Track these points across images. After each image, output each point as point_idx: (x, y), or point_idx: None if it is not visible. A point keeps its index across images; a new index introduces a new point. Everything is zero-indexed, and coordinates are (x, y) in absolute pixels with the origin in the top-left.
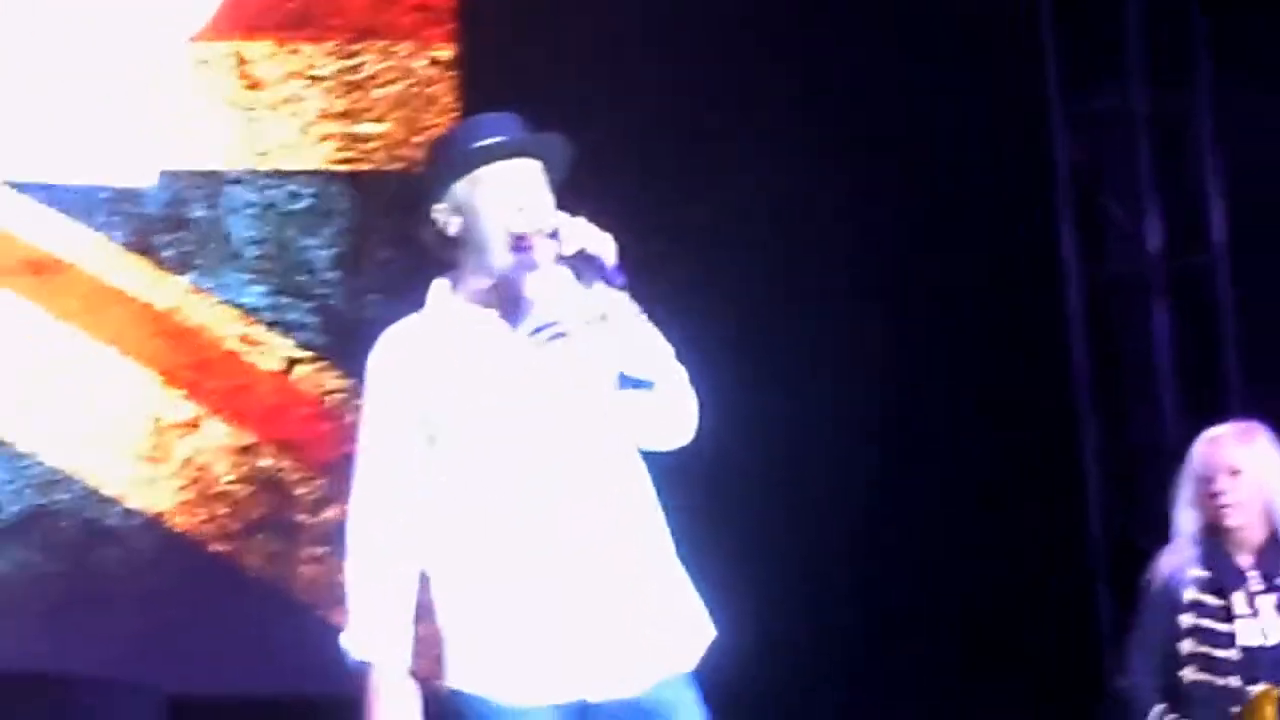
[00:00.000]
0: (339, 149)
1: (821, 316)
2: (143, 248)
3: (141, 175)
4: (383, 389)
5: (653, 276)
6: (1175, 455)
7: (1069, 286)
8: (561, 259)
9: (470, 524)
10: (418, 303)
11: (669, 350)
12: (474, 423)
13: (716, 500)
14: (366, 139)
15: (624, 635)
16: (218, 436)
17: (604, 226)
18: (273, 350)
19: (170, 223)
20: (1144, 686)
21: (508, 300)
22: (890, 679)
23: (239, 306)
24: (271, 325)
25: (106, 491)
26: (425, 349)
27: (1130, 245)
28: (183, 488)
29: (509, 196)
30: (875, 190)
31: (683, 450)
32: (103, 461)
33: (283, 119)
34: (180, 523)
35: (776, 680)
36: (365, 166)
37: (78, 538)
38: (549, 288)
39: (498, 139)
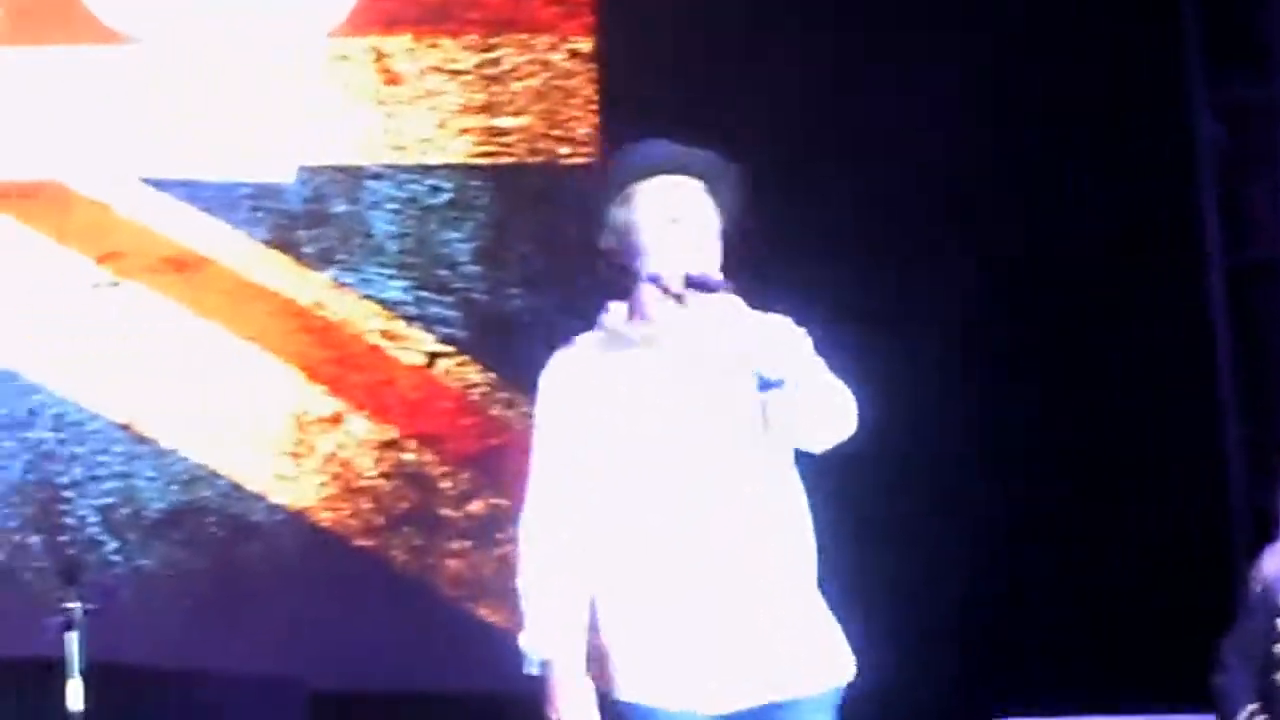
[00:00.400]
0: (478, 143)
1: (961, 302)
2: (284, 244)
3: (281, 171)
4: (549, 409)
5: (786, 260)
6: None
7: (1211, 272)
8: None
9: (627, 542)
10: (559, 297)
11: (803, 346)
12: (631, 445)
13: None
14: (506, 132)
15: (769, 649)
16: (360, 431)
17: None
18: (415, 345)
19: (311, 218)
20: (1237, 685)
21: (664, 315)
22: (1033, 671)
23: (380, 301)
24: (413, 320)
25: (250, 488)
26: (590, 371)
27: (1272, 231)
28: (326, 483)
29: (659, 207)
30: (1014, 177)
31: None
32: (246, 458)
33: (422, 113)
34: (324, 518)
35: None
36: (505, 160)
37: (222, 534)
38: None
39: (649, 157)
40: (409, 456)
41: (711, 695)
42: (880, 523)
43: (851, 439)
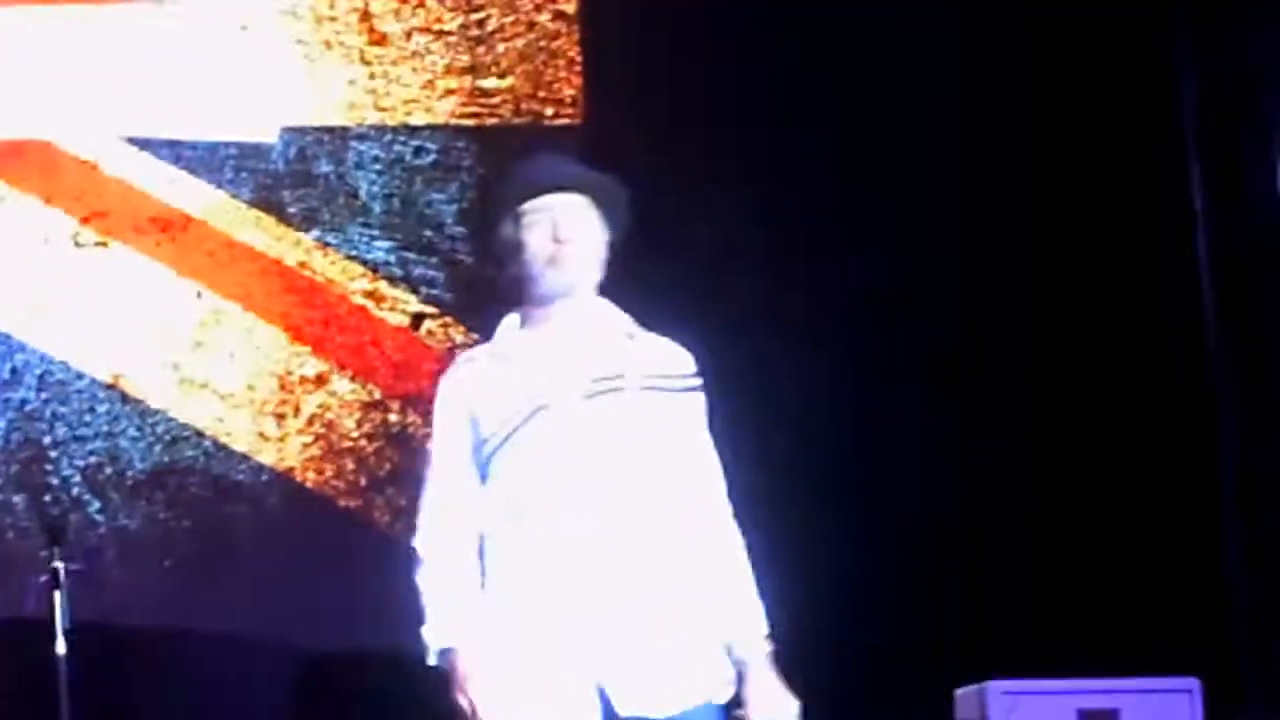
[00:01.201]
0: (464, 104)
1: (962, 259)
2: (268, 204)
3: (265, 131)
4: (443, 419)
5: (774, 239)
6: None
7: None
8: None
9: (509, 558)
10: None
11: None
12: (523, 457)
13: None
14: (492, 93)
15: (659, 659)
16: (345, 392)
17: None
18: (399, 306)
19: (296, 179)
20: None
21: (556, 327)
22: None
23: (365, 262)
24: (398, 281)
25: (234, 448)
26: (481, 383)
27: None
28: (310, 443)
29: (547, 227)
30: (999, 136)
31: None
32: (230, 418)
33: (407, 74)
34: (308, 478)
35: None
36: (491, 121)
37: (206, 494)
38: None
39: (538, 176)
40: (393, 417)
41: (624, 700)
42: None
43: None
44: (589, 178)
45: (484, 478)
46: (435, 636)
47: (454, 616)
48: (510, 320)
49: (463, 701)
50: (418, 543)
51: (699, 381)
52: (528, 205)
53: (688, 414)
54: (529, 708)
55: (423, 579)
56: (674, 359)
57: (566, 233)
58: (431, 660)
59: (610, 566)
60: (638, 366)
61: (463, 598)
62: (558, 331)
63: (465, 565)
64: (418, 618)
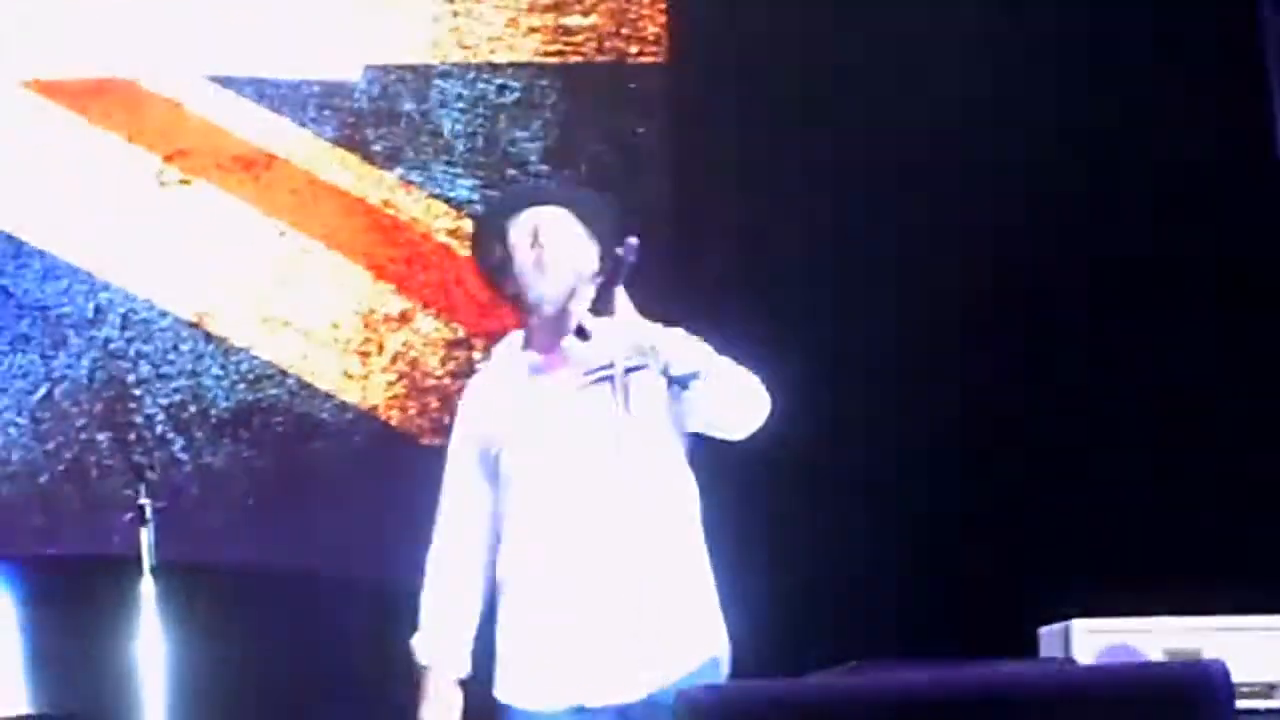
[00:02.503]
0: (547, 41)
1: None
2: (352, 142)
3: (349, 69)
4: (458, 434)
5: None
6: None
7: None
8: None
9: (517, 551)
10: (626, 196)
11: (705, 347)
12: (522, 460)
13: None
14: (575, 31)
15: (623, 648)
16: (428, 330)
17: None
18: None
19: (379, 116)
20: None
21: (551, 342)
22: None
23: (449, 200)
24: None
25: (318, 386)
26: (490, 398)
27: None
28: (394, 382)
29: (526, 235)
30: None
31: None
32: (314, 356)
33: (490, 11)
34: (392, 417)
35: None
36: (574, 59)
37: (290, 432)
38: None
39: (518, 194)
40: (477, 355)
41: (592, 689)
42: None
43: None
44: (569, 193)
45: (498, 482)
46: (419, 650)
47: (438, 637)
48: (512, 337)
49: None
50: (429, 559)
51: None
52: (510, 221)
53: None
54: (550, 686)
55: (425, 593)
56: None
57: (545, 237)
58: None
59: (597, 554)
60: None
61: (453, 619)
62: (553, 336)
63: (461, 589)
64: None
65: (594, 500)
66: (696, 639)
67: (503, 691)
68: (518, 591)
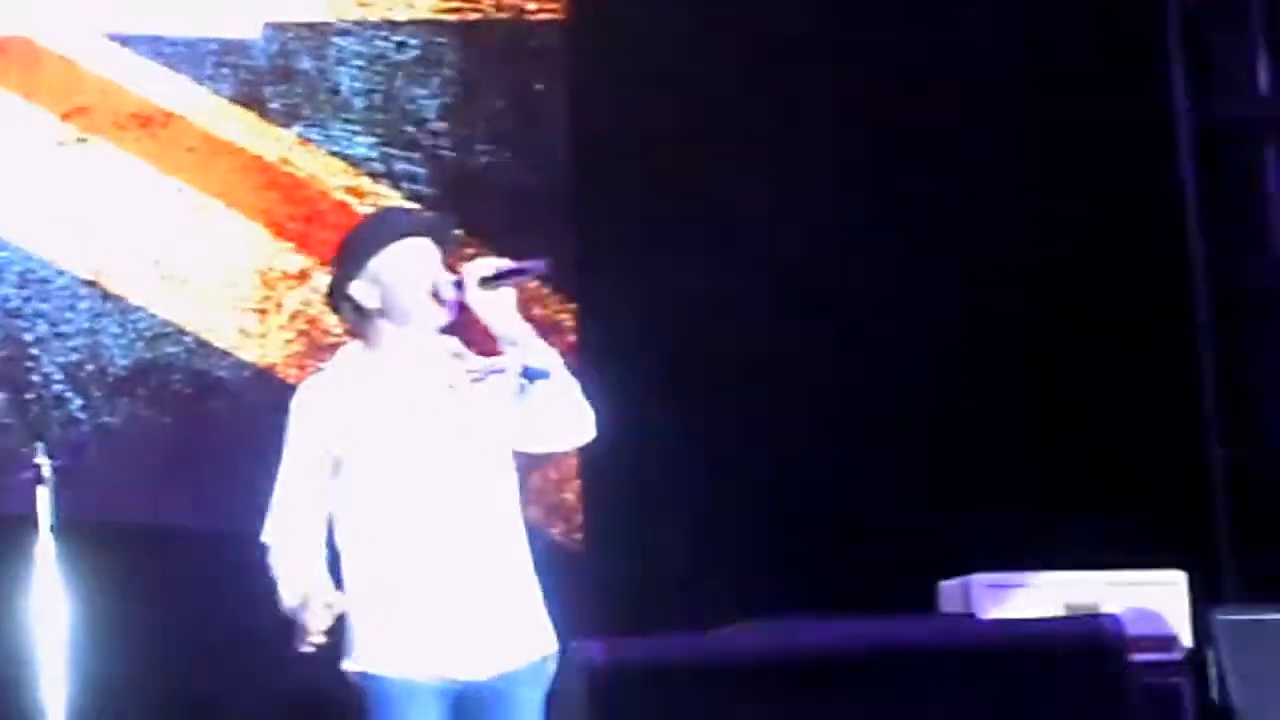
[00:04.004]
0: None
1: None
2: (250, 100)
3: (247, 27)
4: (298, 427)
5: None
6: None
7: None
8: (486, 281)
9: (364, 533)
10: (525, 153)
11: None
12: (370, 451)
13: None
14: None
15: (482, 629)
16: (327, 288)
17: None
18: (381, 201)
19: (277, 74)
20: None
21: (411, 353)
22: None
23: (347, 158)
24: (380, 176)
25: (216, 344)
26: (338, 393)
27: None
28: (292, 340)
29: (418, 264)
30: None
31: None
32: (212, 314)
33: None
34: (290, 374)
35: None
36: (472, 15)
37: (187, 390)
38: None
39: (399, 221)
40: None
41: (449, 662)
42: None
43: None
44: (440, 225)
45: (333, 473)
46: (289, 600)
47: (301, 579)
48: (353, 345)
49: (312, 621)
50: (265, 535)
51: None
52: (396, 246)
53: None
54: (419, 657)
55: (273, 560)
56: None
57: (430, 272)
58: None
59: (457, 536)
60: (465, 378)
61: (309, 566)
62: (401, 349)
63: (310, 545)
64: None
65: (448, 491)
66: (535, 631)
67: (364, 662)
68: (376, 569)
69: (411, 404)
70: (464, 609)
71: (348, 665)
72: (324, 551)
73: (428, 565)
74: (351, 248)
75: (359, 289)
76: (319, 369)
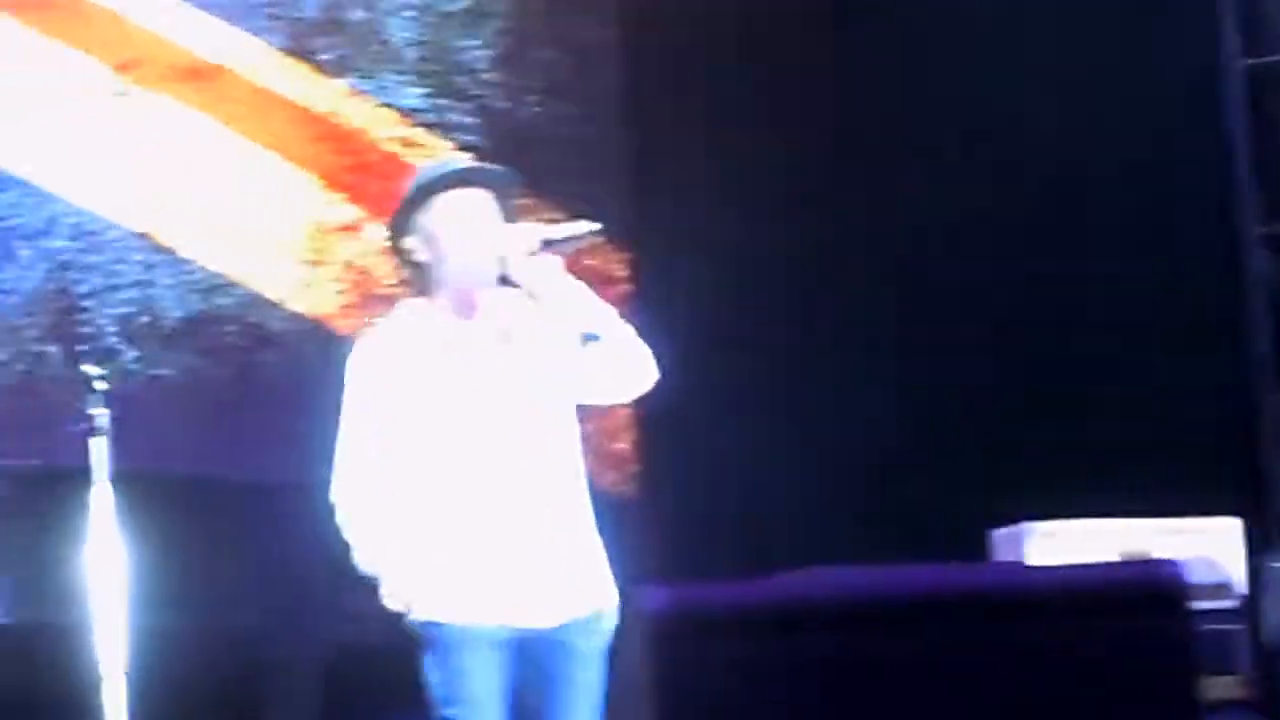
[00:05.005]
0: None
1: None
2: (301, 51)
3: None
4: (359, 382)
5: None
6: None
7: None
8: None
9: (432, 484)
10: (577, 104)
11: (612, 311)
12: (429, 404)
13: None
14: None
15: (544, 578)
16: (378, 239)
17: None
18: (432, 152)
19: (328, 25)
20: None
21: (467, 306)
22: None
23: (398, 109)
24: (431, 127)
25: (269, 295)
26: (394, 349)
27: None
28: (344, 291)
29: (468, 217)
30: None
31: None
32: (265, 265)
33: None
34: (342, 325)
35: None
36: None
37: (240, 342)
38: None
39: (451, 173)
40: None
41: (512, 611)
42: None
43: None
44: (495, 174)
45: (394, 426)
46: (365, 563)
47: (378, 545)
48: (409, 300)
49: (395, 605)
50: (333, 495)
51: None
52: (442, 198)
53: (566, 376)
54: (481, 605)
55: (343, 522)
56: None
57: (478, 225)
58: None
59: (521, 489)
60: (526, 331)
61: (383, 529)
62: (459, 304)
63: (378, 504)
64: None
65: (508, 442)
66: (597, 581)
67: (425, 610)
68: (438, 520)
69: (468, 357)
70: (526, 559)
71: (411, 615)
72: (392, 507)
73: (490, 515)
74: (403, 201)
75: (411, 243)
76: (371, 321)
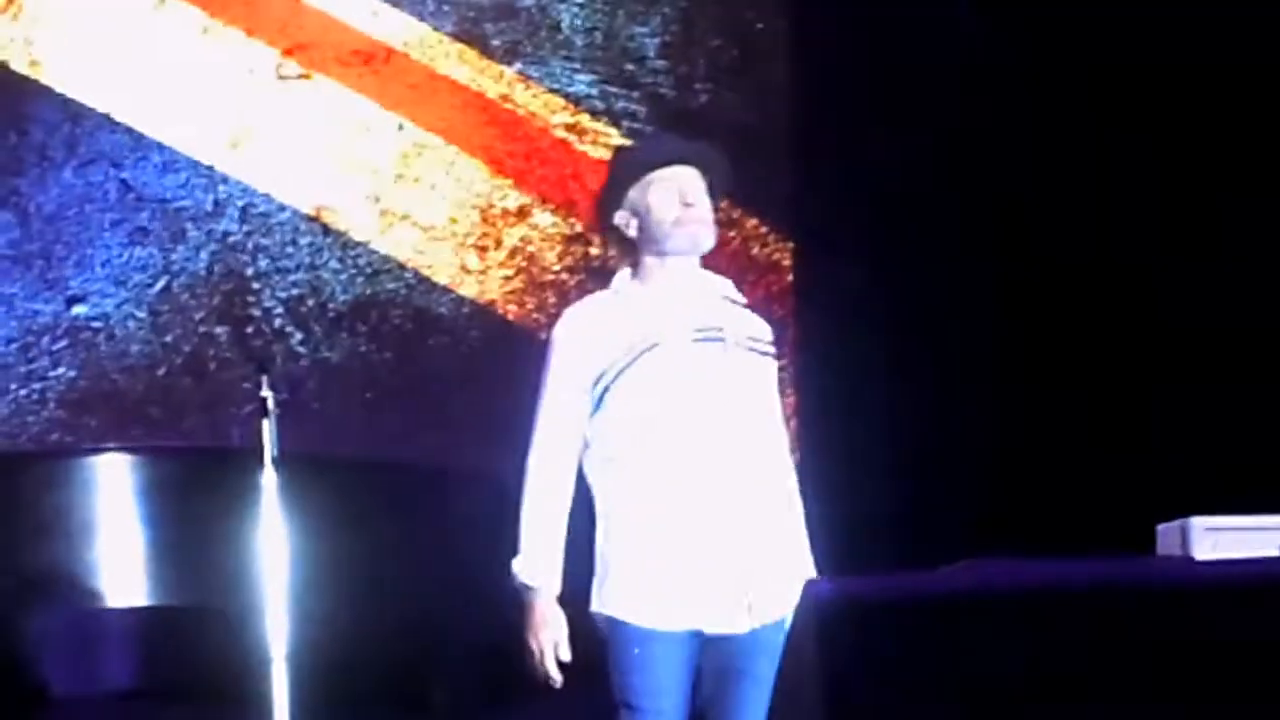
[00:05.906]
0: None
1: None
2: (471, 36)
3: None
4: (563, 354)
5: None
6: None
7: None
8: None
9: (634, 477)
10: (745, 91)
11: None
12: (631, 388)
13: None
14: None
15: (743, 587)
16: (546, 225)
17: None
18: (601, 139)
19: (498, 11)
20: None
21: (680, 284)
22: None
23: (567, 95)
24: (600, 114)
25: (436, 280)
26: (601, 321)
27: None
28: (511, 276)
29: (674, 193)
30: None
31: None
32: (432, 250)
33: None
34: (509, 311)
35: None
36: None
37: (407, 326)
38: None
39: (660, 149)
40: (594, 250)
41: (704, 618)
42: None
43: None
44: (704, 152)
45: (596, 409)
46: (524, 572)
47: (543, 557)
48: (624, 273)
49: (533, 644)
50: (530, 470)
51: (775, 351)
52: (654, 174)
53: (769, 376)
54: (672, 611)
55: (526, 509)
56: (761, 327)
57: (692, 198)
58: (516, 585)
59: (727, 489)
60: (735, 326)
61: (555, 542)
62: (669, 284)
63: (564, 507)
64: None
65: (714, 438)
66: (795, 587)
67: (613, 606)
68: (636, 513)
69: (673, 340)
70: (724, 565)
71: (596, 607)
72: (565, 518)
73: (692, 515)
74: (614, 176)
75: (621, 218)
76: (535, 305)
